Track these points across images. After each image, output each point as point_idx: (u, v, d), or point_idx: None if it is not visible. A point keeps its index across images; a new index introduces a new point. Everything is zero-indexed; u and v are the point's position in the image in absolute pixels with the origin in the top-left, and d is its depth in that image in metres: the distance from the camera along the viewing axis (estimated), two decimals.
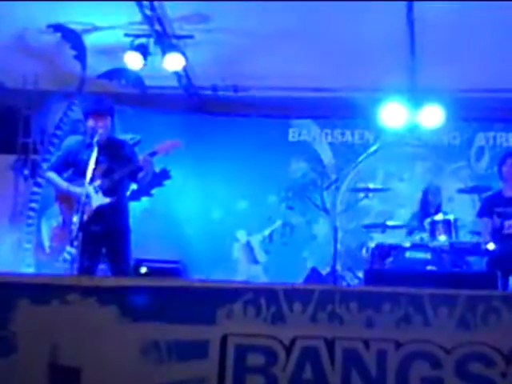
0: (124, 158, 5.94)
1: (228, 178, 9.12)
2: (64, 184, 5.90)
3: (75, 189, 5.75)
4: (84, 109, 6.24)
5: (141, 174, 5.90)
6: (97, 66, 8.20)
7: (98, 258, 5.89)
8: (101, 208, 5.76)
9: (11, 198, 8.64)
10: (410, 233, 7.75)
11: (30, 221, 8.56)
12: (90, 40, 7.90)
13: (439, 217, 7.46)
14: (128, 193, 6.39)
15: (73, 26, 7.71)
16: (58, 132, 8.48)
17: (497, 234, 6.69)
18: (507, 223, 6.66)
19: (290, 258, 9.02)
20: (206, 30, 7.73)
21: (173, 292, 3.98)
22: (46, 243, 8.26)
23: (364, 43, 7.62)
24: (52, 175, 6.02)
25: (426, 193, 8.13)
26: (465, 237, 7.59)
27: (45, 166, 7.65)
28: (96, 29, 7.71)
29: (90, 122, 5.93)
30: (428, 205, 8.01)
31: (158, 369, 3.85)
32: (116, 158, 5.91)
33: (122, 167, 5.84)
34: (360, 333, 3.82)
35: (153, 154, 5.88)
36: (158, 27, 7.72)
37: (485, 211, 6.94)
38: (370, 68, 7.99)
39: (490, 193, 7.30)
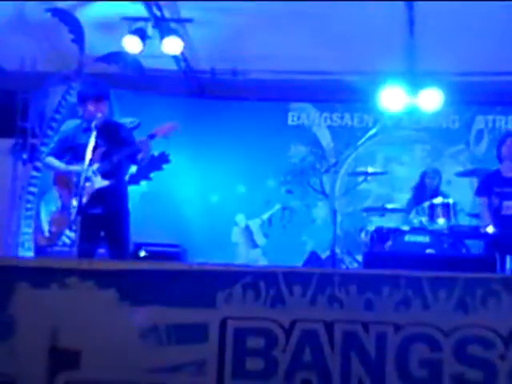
0: (122, 140, 5.94)
1: (227, 161, 9.11)
2: (62, 165, 5.89)
3: (75, 168, 5.75)
4: (80, 93, 6.22)
5: (139, 156, 5.89)
6: (95, 48, 8.16)
7: (96, 242, 5.89)
8: (100, 191, 5.76)
9: (10, 182, 8.63)
10: (407, 216, 7.74)
11: (28, 205, 8.55)
12: (87, 16, 7.85)
13: (438, 200, 7.46)
14: (127, 177, 6.37)
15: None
16: (57, 116, 8.45)
17: (495, 215, 6.67)
18: (505, 204, 6.64)
19: (289, 241, 9.03)
20: (204, 14, 7.70)
21: (172, 275, 3.98)
22: (45, 227, 8.25)
23: (363, 26, 7.59)
24: (51, 159, 6.02)
25: (423, 176, 8.13)
26: (464, 220, 7.60)
27: (44, 150, 7.64)
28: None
29: (88, 106, 5.92)
30: (425, 188, 8.02)
31: (158, 352, 3.86)
32: (114, 141, 5.90)
33: (120, 150, 5.84)
34: (359, 316, 3.82)
35: (151, 136, 5.87)
36: (156, 11, 7.70)
37: (483, 190, 6.91)
38: (370, 51, 7.97)
39: (488, 172, 7.25)
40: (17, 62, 8.42)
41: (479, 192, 6.99)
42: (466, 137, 9.13)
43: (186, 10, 7.75)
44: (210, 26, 7.89)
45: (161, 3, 7.61)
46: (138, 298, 3.91)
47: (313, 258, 8.27)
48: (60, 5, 7.71)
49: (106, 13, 7.77)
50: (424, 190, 7.99)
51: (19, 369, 3.87)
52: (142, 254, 7.66)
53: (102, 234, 5.90)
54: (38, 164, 8.24)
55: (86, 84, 7.08)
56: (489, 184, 6.84)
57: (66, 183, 5.81)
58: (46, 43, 8.22)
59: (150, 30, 7.85)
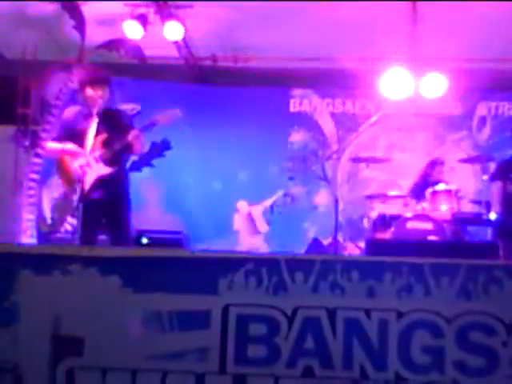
0: (123, 127, 5.92)
1: (229, 148, 9.10)
2: (63, 146, 5.87)
3: (76, 148, 5.74)
4: (80, 79, 6.21)
5: (134, 148, 5.89)
6: (96, 35, 8.15)
7: (98, 229, 5.89)
8: (101, 178, 5.75)
9: (11, 169, 8.63)
10: (409, 203, 7.73)
11: (30, 192, 8.55)
12: (89, 9, 7.84)
13: (441, 187, 7.45)
14: (129, 163, 6.37)
15: None
16: (58, 102, 8.44)
17: (508, 201, 6.63)
18: None
19: (291, 228, 9.03)
20: (205, 1, 7.68)
21: (174, 262, 3.98)
22: (48, 214, 8.27)
23: (365, 12, 7.56)
24: (52, 144, 6.01)
25: (429, 165, 8.11)
26: (466, 207, 7.59)
27: (45, 139, 7.65)
28: None
29: (88, 92, 5.91)
30: (428, 175, 8.00)
31: (160, 339, 3.87)
32: (115, 127, 5.88)
33: (120, 137, 5.82)
34: (361, 302, 3.82)
35: (152, 124, 5.86)
36: None
37: (498, 175, 6.88)
38: (372, 37, 7.94)
39: (505, 158, 7.20)
40: (18, 50, 8.40)
41: (494, 177, 6.95)
42: (468, 123, 9.11)
43: None
44: (210, 13, 7.87)
45: None
46: (141, 285, 3.91)
47: (315, 245, 8.27)
48: None
49: (108, 5, 7.76)
50: (427, 177, 7.97)
51: (22, 356, 3.88)
52: (145, 240, 7.66)
53: (104, 220, 5.90)
54: (40, 151, 8.23)
55: (86, 70, 7.06)
56: (506, 170, 6.81)
57: (68, 170, 5.80)
58: (48, 32, 8.20)
59: (151, 16, 7.82)
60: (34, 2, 7.68)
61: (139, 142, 5.88)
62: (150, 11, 7.79)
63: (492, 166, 7.50)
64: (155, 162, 9.07)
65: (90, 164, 5.71)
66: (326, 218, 8.69)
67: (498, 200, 6.76)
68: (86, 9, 7.86)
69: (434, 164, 8.09)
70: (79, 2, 7.82)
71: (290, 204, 9.22)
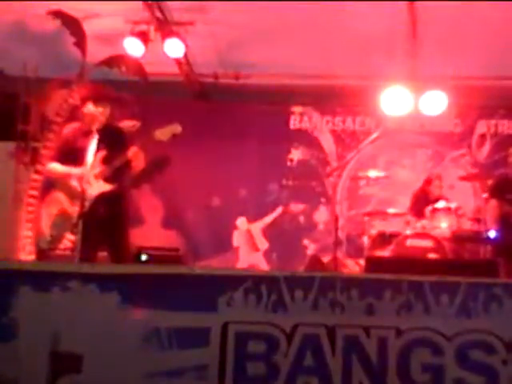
0: (122, 144, 5.94)
1: (228, 165, 9.10)
2: (66, 170, 5.90)
3: (78, 172, 5.75)
4: (81, 96, 6.24)
5: (132, 164, 5.91)
6: (97, 52, 8.17)
7: (98, 246, 5.88)
8: (101, 195, 5.76)
9: (11, 185, 8.62)
10: (409, 220, 7.73)
11: (30, 208, 8.54)
12: (90, 27, 7.87)
13: (440, 204, 7.45)
14: (128, 180, 6.37)
15: (73, 13, 7.67)
16: (58, 119, 8.45)
17: (504, 221, 6.64)
18: None
19: (290, 245, 9.02)
20: (206, 19, 7.71)
21: (173, 279, 3.97)
22: (47, 231, 8.25)
23: (365, 30, 7.59)
24: (55, 166, 6.03)
25: (427, 181, 8.12)
26: (466, 224, 7.58)
27: (46, 159, 7.67)
28: (96, 15, 7.68)
29: (89, 109, 5.92)
30: (428, 193, 8.00)
31: (159, 356, 3.85)
32: (115, 144, 5.90)
33: (120, 154, 5.84)
34: (361, 320, 3.82)
35: (152, 139, 5.88)
36: (158, 14, 7.70)
37: (494, 194, 6.88)
38: (372, 55, 7.96)
39: (502, 176, 7.21)
40: (19, 66, 8.42)
41: (490, 196, 6.95)
42: (468, 141, 9.11)
43: (188, 14, 7.76)
44: (211, 30, 7.89)
45: (162, 6, 7.61)
46: (140, 302, 3.90)
47: (314, 262, 8.25)
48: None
49: (108, 24, 7.79)
50: (426, 194, 7.97)
51: (21, 372, 3.87)
52: (144, 257, 7.64)
53: (103, 237, 5.89)
54: (40, 167, 8.23)
55: (87, 87, 7.09)
56: (501, 189, 6.82)
57: (68, 187, 5.81)
58: (48, 49, 8.23)
59: (152, 34, 7.85)
60: (35, 19, 7.70)
61: (139, 158, 5.89)
62: (151, 28, 7.82)
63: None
64: (155, 178, 9.06)
65: (89, 181, 5.71)
66: (325, 235, 8.69)
67: (494, 219, 6.76)
68: (87, 26, 7.88)
69: (431, 180, 8.10)
70: (80, 19, 7.84)
71: (289, 221, 9.22)
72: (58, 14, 7.73)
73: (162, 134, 5.91)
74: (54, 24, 7.79)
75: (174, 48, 7.95)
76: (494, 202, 6.83)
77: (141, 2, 7.49)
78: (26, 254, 8.30)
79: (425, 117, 8.90)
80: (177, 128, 6.00)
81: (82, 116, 6.10)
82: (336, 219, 7.80)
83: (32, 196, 8.45)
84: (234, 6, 7.38)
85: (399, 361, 3.77)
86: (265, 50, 8.13)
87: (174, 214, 8.95)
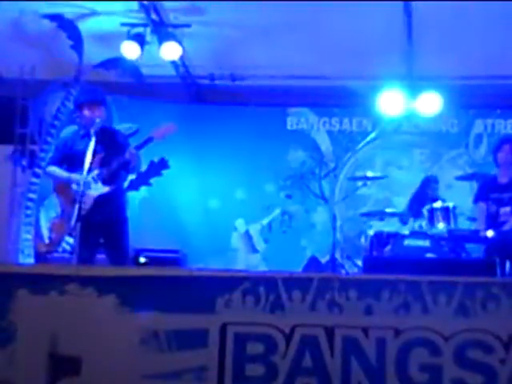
0: (120, 146, 5.95)
1: (226, 167, 9.11)
2: (64, 174, 5.90)
3: (76, 176, 5.75)
4: (77, 99, 6.25)
5: (131, 166, 5.92)
6: (94, 55, 8.17)
7: (96, 248, 5.89)
8: (99, 197, 5.76)
9: (9, 188, 8.62)
10: (405, 222, 7.74)
11: (28, 211, 8.53)
12: (86, 27, 7.86)
13: (438, 204, 7.46)
14: (126, 183, 6.38)
15: (69, 10, 7.66)
16: (56, 122, 8.44)
17: (492, 221, 6.68)
18: (502, 210, 6.65)
19: (288, 246, 9.02)
20: (202, 21, 7.71)
21: (172, 281, 3.97)
22: (45, 234, 8.25)
23: (361, 31, 7.59)
24: (53, 169, 6.03)
25: (424, 182, 8.13)
26: (463, 224, 7.59)
27: (44, 158, 7.68)
28: (93, 13, 7.68)
29: (86, 112, 5.94)
30: (425, 193, 8.02)
31: (158, 358, 3.86)
32: (112, 146, 5.91)
33: (117, 157, 5.84)
34: (359, 321, 3.82)
35: (148, 139, 5.89)
36: (154, 16, 7.71)
37: (481, 196, 6.92)
38: (368, 56, 7.96)
39: (486, 178, 7.26)
40: (16, 69, 8.42)
41: (477, 199, 6.99)
42: (465, 141, 9.13)
43: (184, 16, 7.76)
44: (208, 32, 7.90)
45: (158, 8, 7.62)
46: (138, 304, 3.91)
47: (312, 263, 8.27)
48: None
49: (105, 24, 7.79)
50: (424, 195, 7.98)
51: (19, 375, 3.87)
52: (142, 259, 7.65)
53: (102, 240, 5.90)
54: (38, 170, 8.23)
55: (83, 90, 7.10)
56: (486, 190, 6.85)
57: (66, 189, 5.81)
58: (45, 51, 8.23)
59: (148, 36, 7.85)
60: (31, 21, 7.70)
61: (136, 160, 5.91)
62: (147, 31, 7.82)
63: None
64: (153, 180, 9.07)
65: (87, 183, 5.71)
66: (323, 236, 8.70)
67: (482, 221, 6.79)
68: (84, 28, 7.88)
69: (428, 182, 8.11)
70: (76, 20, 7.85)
71: (287, 222, 9.22)
72: (54, 18, 7.73)
73: (157, 133, 5.93)
74: (51, 26, 7.79)
75: (170, 51, 7.95)
76: (481, 205, 6.86)
77: (137, 4, 7.49)
78: (25, 257, 8.30)
79: (421, 117, 8.92)
80: (171, 127, 6.02)
81: (79, 119, 6.10)
82: (334, 220, 7.81)
83: (30, 199, 8.46)
84: (230, 8, 7.38)
85: (398, 361, 3.78)
86: (261, 52, 8.14)
87: (172, 216, 8.95)
